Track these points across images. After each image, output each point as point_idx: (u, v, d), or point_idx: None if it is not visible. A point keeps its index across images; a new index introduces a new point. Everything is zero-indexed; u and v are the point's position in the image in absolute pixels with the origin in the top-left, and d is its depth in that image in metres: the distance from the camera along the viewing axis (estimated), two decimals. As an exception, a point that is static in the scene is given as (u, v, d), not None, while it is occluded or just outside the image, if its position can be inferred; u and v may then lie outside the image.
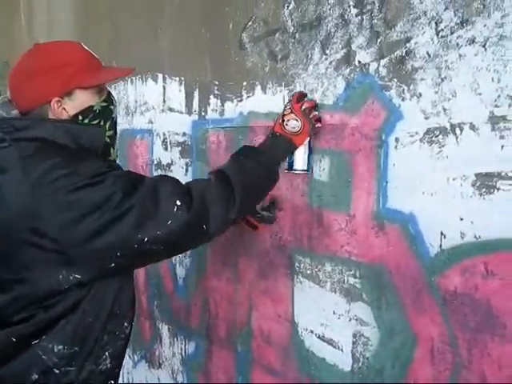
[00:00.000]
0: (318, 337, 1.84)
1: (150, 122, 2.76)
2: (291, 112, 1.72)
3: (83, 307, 1.52)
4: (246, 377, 2.20)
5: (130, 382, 3.26)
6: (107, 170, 1.48)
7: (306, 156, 1.77)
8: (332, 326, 1.79)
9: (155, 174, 2.73)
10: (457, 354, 1.42)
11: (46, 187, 1.41)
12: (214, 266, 2.34)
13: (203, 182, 1.60)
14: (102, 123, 1.61)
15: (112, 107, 1.66)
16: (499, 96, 1.29)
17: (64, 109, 1.54)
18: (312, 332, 1.87)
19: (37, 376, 1.53)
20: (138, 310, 3.00)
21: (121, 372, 3.20)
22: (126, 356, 3.19)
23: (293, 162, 1.77)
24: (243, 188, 1.58)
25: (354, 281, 1.69)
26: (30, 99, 1.55)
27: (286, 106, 1.77)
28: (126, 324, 1.66)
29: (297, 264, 1.90)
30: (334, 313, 1.78)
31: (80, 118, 1.56)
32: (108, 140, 1.64)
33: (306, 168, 1.77)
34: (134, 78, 2.87)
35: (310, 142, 1.76)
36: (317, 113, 1.76)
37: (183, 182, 1.58)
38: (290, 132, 1.71)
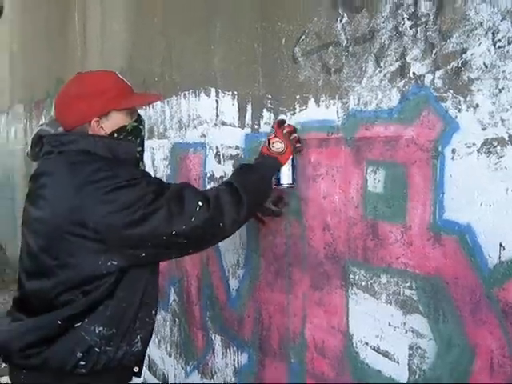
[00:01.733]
0: (374, 349, 1.84)
1: (203, 135, 2.81)
2: (275, 136, 2.05)
3: (118, 294, 1.79)
4: (301, 388, 2.21)
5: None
6: (142, 175, 1.82)
7: (291, 172, 2.07)
8: (387, 338, 1.79)
9: (208, 186, 2.77)
10: (517, 368, 1.41)
11: (90, 186, 1.70)
12: (267, 277, 2.36)
13: (216, 189, 1.92)
14: (133, 139, 1.92)
15: (141, 127, 1.97)
16: (559, 106, 1.28)
17: (102, 127, 1.84)
18: (367, 344, 1.87)
19: (81, 354, 1.77)
20: (190, 320, 3.06)
21: (170, 380, 3.27)
22: (179, 366, 3.26)
23: (280, 178, 2.07)
24: (248, 194, 1.89)
25: (410, 292, 1.68)
26: (73, 119, 1.84)
27: (270, 133, 2.09)
28: (153, 312, 1.94)
29: (351, 275, 1.91)
30: (389, 324, 1.77)
31: (115, 135, 1.86)
32: (137, 155, 1.95)
33: (291, 182, 2.08)
34: (187, 93, 2.93)
35: (293, 159, 2.07)
36: (296, 135, 2.07)
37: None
38: (275, 152, 2.03)
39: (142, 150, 2.00)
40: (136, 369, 1.94)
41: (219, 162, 2.68)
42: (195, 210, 1.77)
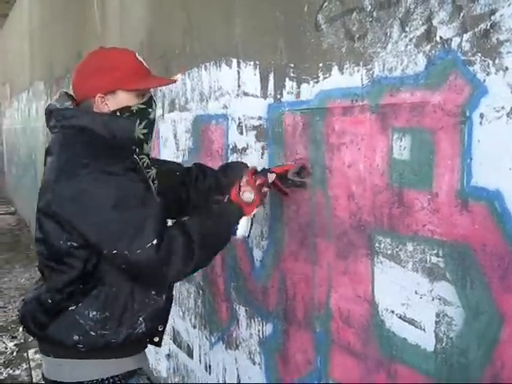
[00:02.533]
0: (400, 317, 1.83)
1: (225, 106, 2.80)
2: (247, 184, 1.98)
3: (109, 280, 1.84)
4: (325, 357, 2.22)
5: (208, 362, 3.33)
6: (119, 173, 1.77)
7: (249, 224, 2.05)
8: (414, 306, 1.78)
9: (231, 158, 2.77)
10: (547, 333, 1.39)
11: (67, 171, 1.77)
12: (291, 247, 2.36)
13: (174, 232, 1.81)
14: (137, 120, 1.90)
15: (150, 110, 1.95)
16: None
17: (106, 104, 1.86)
18: (393, 312, 1.86)
19: (77, 337, 1.84)
20: (215, 292, 3.08)
21: (197, 353, 3.31)
22: (204, 337, 3.29)
23: (237, 228, 2.01)
24: (202, 246, 1.83)
25: (437, 260, 1.67)
26: (82, 93, 1.91)
27: (241, 179, 2.01)
28: (153, 293, 1.93)
29: (377, 244, 1.90)
30: (415, 293, 1.76)
31: (118, 113, 1.87)
32: (142, 136, 1.93)
33: (247, 235, 2.05)
34: (207, 64, 2.92)
35: (254, 214, 2.04)
36: (266, 189, 2.07)
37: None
38: (243, 202, 1.98)
39: (150, 133, 1.98)
40: (156, 338, 2.00)
41: (241, 133, 2.67)
42: (145, 245, 1.71)
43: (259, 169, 2.22)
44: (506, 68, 1.42)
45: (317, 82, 2.10)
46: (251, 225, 2.05)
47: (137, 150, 1.93)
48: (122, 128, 1.86)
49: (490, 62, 1.46)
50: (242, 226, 2.01)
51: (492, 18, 1.45)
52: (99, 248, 1.76)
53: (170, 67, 3.37)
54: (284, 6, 2.25)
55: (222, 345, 3.15)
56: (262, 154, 2.51)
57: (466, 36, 1.52)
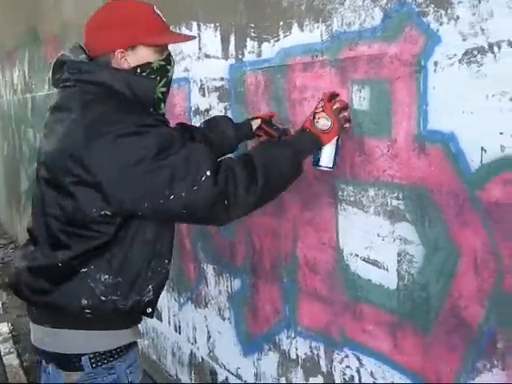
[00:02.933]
0: (364, 260, 1.95)
1: (186, 70, 2.84)
2: (322, 111, 1.82)
3: (127, 244, 1.74)
4: (293, 305, 2.32)
5: (177, 323, 3.42)
6: (153, 124, 1.68)
7: (333, 154, 1.86)
8: (377, 248, 1.89)
9: (194, 120, 2.82)
10: (500, 262, 1.51)
11: (97, 128, 1.61)
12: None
13: (232, 161, 1.73)
14: (157, 79, 1.79)
15: (169, 67, 1.84)
16: (536, 12, 1.35)
17: (126, 59, 1.74)
18: (357, 256, 1.97)
19: (86, 301, 1.73)
20: (182, 253, 3.15)
21: (166, 315, 3.38)
22: (172, 299, 3.37)
23: (319, 158, 1.87)
24: (266, 175, 1.71)
25: (398, 202, 1.78)
26: (99, 47, 1.76)
27: (318, 104, 1.86)
28: (167, 261, 1.87)
29: (340, 192, 2.00)
30: (378, 235, 1.87)
31: (138, 70, 1.75)
32: (160, 95, 1.83)
33: (330, 166, 1.87)
34: (167, 29, 2.94)
35: (338, 140, 1.86)
36: (346, 113, 1.87)
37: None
38: (319, 130, 1.82)
39: (167, 91, 1.88)
40: (149, 309, 1.89)
41: (204, 95, 2.73)
42: (200, 178, 1.61)
43: (256, 123, 2.21)
44: (458, 17, 1.52)
45: (277, 41, 2.17)
46: (336, 153, 1.87)
47: (154, 109, 1.84)
48: (144, 86, 1.76)
49: (443, 13, 1.56)
50: (325, 156, 1.86)
51: (443, -30, 1.54)
52: (151, 204, 1.64)
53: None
54: (243, -34, 2.30)
55: (191, 304, 3.23)
56: (225, 114, 2.57)
57: (419, -12, 1.61)
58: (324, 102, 1.84)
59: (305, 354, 2.30)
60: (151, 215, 1.70)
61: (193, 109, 2.83)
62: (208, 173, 1.63)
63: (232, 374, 2.89)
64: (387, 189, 1.81)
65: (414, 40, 1.64)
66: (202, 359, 3.18)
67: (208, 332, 3.07)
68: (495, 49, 1.44)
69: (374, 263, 1.90)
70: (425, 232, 1.71)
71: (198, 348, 3.22)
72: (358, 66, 1.83)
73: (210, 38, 2.59)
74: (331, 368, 2.18)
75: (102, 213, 1.66)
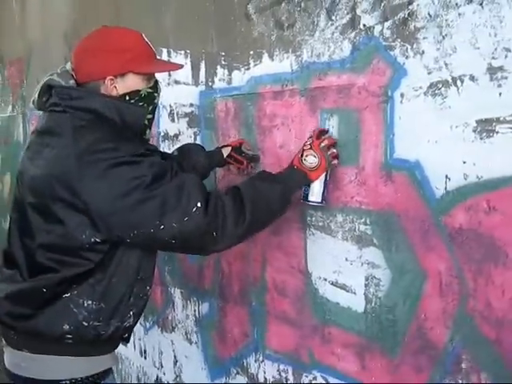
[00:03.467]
0: (332, 283, 2.00)
1: (156, 95, 2.87)
2: (310, 148, 1.86)
3: (111, 270, 1.73)
4: (262, 328, 2.35)
5: (143, 348, 3.40)
6: (145, 154, 1.70)
7: (322, 189, 1.90)
8: (345, 272, 1.94)
9: (162, 145, 2.85)
10: (463, 285, 1.58)
11: (90, 156, 1.61)
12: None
13: (221, 194, 1.76)
14: (144, 106, 1.80)
15: (156, 94, 1.85)
16: (496, 49, 1.43)
17: (115, 87, 1.73)
18: (325, 280, 2.02)
19: (68, 327, 1.72)
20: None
21: (131, 339, 3.36)
22: (138, 323, 3.35)
23: (308, 193, 1.91)
24: (254, 209, 1.74)
25: (365, 228, 1.84)
26: (88, 73, 1.74)
27: (306, 141, 1.90)
28: (148, 287, 1.87)
29: (309, 218, 2.05)
30: (346, 259, 1.93)
31: (127, 97, 1.75)
32: (147, 122, 1.84)
33: (319, 200, 1.91)
34: (137, 55, 2.98)
35: (326, 176, 1.89)
36: (335, 150, 1.89)
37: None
38: (307, 167, 1.86)
39: (153, 118, 1.89)
40: (126, 334, 1.90)
41: (173, 120, 2.76)
42: (191, 210, 1.64)
43: (227, 150, 2.24)
44: (423, 52, 1.60)
45: (248, 69, 2.23)
46: (324, 188, 1.90)
47: (141, 136, 1.85)
48: (134, 114, 1.76)
49: (409, 47, 1.64)
50: (314, 191, 1.90)
51: (409, 7, 1.62)
52: (141, 233, 1.64)
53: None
54: (214, -4, 2.36)
55: (157, 328, 3.23)
56: (195, 139, 2.62)
57: (386, 24, 1.69)
58: (312, 138, 1.88)
59: (273, 377, 2.33)
60: (140, 243, 1.71)
61: (162, 134, 2.86)
62: (199, 204, 1.65)
63: (198, 396, 2.89)
64: (355, 214, 1.87)
65: (382, 72, 1.72)
66: (168, 384, 3.18)
67: (175, 356, 3.07)
68: (458, 82, 1.52)
69: (342, 287, 1.95)
70: (391, 256, 1.77)
71: (164, 373, 3.21)
72: (327, 95, 1.90)
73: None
74: (300, 390, 2.22)
75: (92, 240, 1.65)
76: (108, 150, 1.63)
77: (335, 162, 1.90)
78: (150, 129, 1.90)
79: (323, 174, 1.88)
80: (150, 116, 1.85)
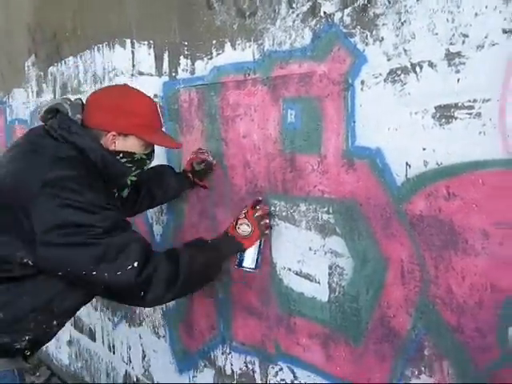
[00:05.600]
0: (296, 273, 1.99)
1: (120, 87, 2.83)
2: (245, 217, 1.99)
3: (26, 287, 1.75)
4: (228, 321, 2.34)
5: (111, 343, 3.37)
6: (105, 207, 1.73)
7: (255, 256, 2.02)
8: (309, 262, 1.93)
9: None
10: (425, 272, 1.58)
11: (52, 189, 1.65)
12: (191, 219, 2.46)
13: (160, 259, 1.81)
14: (133, 168, 1.92)
15: (148, 161, 1.97)
16: (454, 35, 1.43)
17: (114, 143, 1.84)
18: (290, 270, 2.01)
19: None
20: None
21: (100, 335, 3.33)
22: (105, 318, 3.32)
23: (243, 259, 2.02)
24: (187, 278, 1.83)
25: (328, 217, 1.83)
26: (96, 122, 1.84)
27: (242, 210, 2.02)
28: (55, 322, 1.88)
29: (272, 208, 2.04)
30: (310, 249, 1.92)
31: (121, 155, 1.86)
32: (129, 182, 1.99)
33: (253, 267, 2.03)
34: (100, 46, 2.95)
35: (260, 243, 2.02)
36: (267, 221, 2.02)
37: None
38: (240, 235, 1.99)
39: (135, 181, 2.02)
40: (28, 352, 1.89)
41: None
42: (126, 266, 1.70)
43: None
44: (382, 38, 1.59)
45: (210, 59, 2.20)
46: (258, 255, 2.02)
47: (118, 190, 2.01)
48: (118, 171, 1.88)
49: (368, 34, 1.63)
50: (249, 258, 2.01)
51: (368, -7, 1.61)
52: (74, 271, 1.70)
53: (61, 49, 3.36)
54: (176, -14, 2.33)
55: (126, 323, 3.20)
56: (159, 131, 2.58)
57: (346, 11, 1.68)
58: (247, 208, 2.01)
59: (240, 369, 2.32)
60: (71, 278, 1.76)
61: (126, 126, 2.82)
62: (135, 264, 1.71)
63: (168, 391, 2.87)
64: (318, 203, 1.86)
65: (342, 60, 1.71)
66: (137, 379, 3.15)
67: (143, 351, 3.04)
68: (417, 69, 1.51)
69: (306, 276, 1.95)
70: (354, 245, 1.76)
71: (133, 367, 3.19)
72: (289, 84, 1.89)
73: (144, 55, 2.61)
74: (266, 382, 2.21)
75: (25, 260, 1.68)
76: (71, 190, 1.66)
77: (267, 231, 2.04)
78: (129, 188, 2.07)
79: (257, 242, 2.00)
80: (133, 178, 1.97)
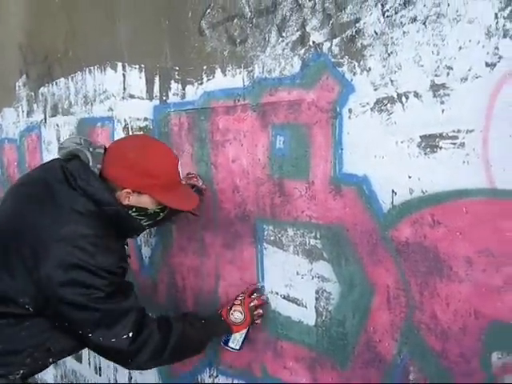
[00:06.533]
0: (284, 297, 2.01)
1: (110, 109, 2.86)
2: (240, 304, 2.07)
3: (26, 324, 1.79)
4: (216, 344, 2.33)
5: (97, 365, 3.35)
6: (113, 272, 1.78)
7: (242, 339, 2.10)
8: (296, 286, 1.96)
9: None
10: (410, 298, 1.61)
11: (66, 246, 1.70)
12: (179, 241, 2.47)
13: (153, 330, 1.88)
14: (144, 221, 1.98)
15: (161, 214, 2.00)
16: (438, 66, 1.47)
17: (128, 198, 1.86)
18: (277, 294, 2.03)
19: None
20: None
21: (86, 356, 3.29)
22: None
23: (229, 340, 2.11)
24: (173, 352, 1.92)
25: (315, 242, 1.86)
26: (113, 176, 1.84)
27: (239, 295, 2.11)
28: (51, 360, 1.94)
29: (260, 232, 2.06)
30: (297, 273, 1.94)
31: (134, 209, 1.90)
32: (141, 228, 2.02)
33: (237, 348, 2.11)
34: (92, 68, 2.97)
35: (248, 329, 2.10)
36: (261, 311, 2.08)
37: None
38: (232, 321, 2.07)
39: (147, 227, 2.10)
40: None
41: (128, 134, 2.75)
42: (121, 336, 1.78)
43: None
44: (369, 68, 1.63)
45: (201, 84, 2.24)
46: (244, 338, 2.10)
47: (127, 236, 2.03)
48: (132, 227, 1.94)
49: (356, 64, 1.67)
50: (235, 340, 2.10)
51: (357, 25, 1.65)
52: (71, 328, 1.78)
53: (53, 70, 3.38)
54: (168, 11, 2.36)
55: (112, 344, 3.18)
56: (149, 153, 2.60)
57: (335, 41, 1.72)
58: (244, 295, 2.08)
59: (227, 392, 2.33)
60: (65, 330, 1.81)
61: (116, 148, 2.83)
62: (130, 334, 1.79)
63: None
64: (305, 228, 1.88)
65: (330, 88, 1.75)
66: (123, 400, 3.13)
67: (129, 373, 3.03)
68: (403, 99, 1.55)
69: (294, 300, 1.97)
70: (341, 270, 1.79)
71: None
72: (278, 110, 1.92)
73: (135, 78, 2.63)
74: (253, 405, 2.21)
75: (26, 306, 1.73)
76: (85, 251, 1.71)
77: (259, 321, 2.10)
78: (138, 235, 2.17)
79: (246, 329, 2.09)
80: (145, 225, 2.02)
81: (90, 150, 1.87)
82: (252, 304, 2.06)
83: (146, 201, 1.89)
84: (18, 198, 1.86)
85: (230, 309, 2.08)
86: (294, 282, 1.96)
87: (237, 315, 2.05)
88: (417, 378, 1.63)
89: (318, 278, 1.87)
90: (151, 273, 2.72)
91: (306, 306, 1.93)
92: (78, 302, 1.71)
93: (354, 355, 1.80)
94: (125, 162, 1.83)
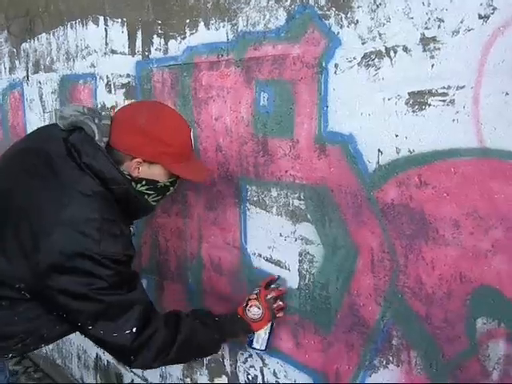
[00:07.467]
0: (266, 259, 1.96)
1: (92, 65, 2.76)
2: (256, 298, 1.89)
3: (20, 308, 1.68)
4: (199, 306, 2.30)
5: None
6: (119, 261, 1.63)
7: (267, 337, 1.92)
8: (279, 248, 1.90)
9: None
10: (395, 261, 1.56)
11: (72, 232, 1.56)
12: (163, 204, 2.41)
13: (159, 327, 1.74)
14: (154, 196, 1.82)
15: (171, 188, 1.85)
16: (429, 19, 1.39)
17: (138, 169, 1.72)
18: (260, 256, 1.98)
19: None
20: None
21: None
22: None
23: (253, 340, 1.93)
24: (180, 351, 1.78)
25: (299, 203, 1.79)
26: (123, 145, 1.70)
27: (254, 290, 1.93)
28: (43, 345, 1.87)
29: (244, 192, 2.00)
30: (280, 235, 1.88)
31: (143, 182, 1.76)
32: (150, 204, 1.86)
33: (263, 348, 1.93)
34: (73, 23, 2.86)
35: (272, 325, 1.92)
36: (281, 303, 1.90)
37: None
38: (249, 318, 1.89)
39: (157, 205, 1.92)
40: None
41: (110, 91, 2.66)
42: (124, 330, 1.65)
43: None
44: (357, 21, 1.55)
45: (184, 38, 2.14)
46: (269, 336, 1.92)
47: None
48: (141, 208, 1.82)
49: (343, 16, 1.58)
50: (259, 339, 1.93)
51: (344, -26, 1.56)
52: (71, 318, 1.66)
53: (34, 25, 3.26)
54: (150, -38, 2.26)
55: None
56: (132, 111, 2.52)
57: (321, -9, 1.63)
58: (261, 288, 1.90)
59: (209, 354, 2.29)
60: (64, 319, 1.69)
61: (99, 106, 2.75)
62: (134, 330, 1.66)
63: (138, 376, 2.84)
64: (289, 189, 1.82)
65: (316, 42, 1.66)
66: (108, 362, 3.11)
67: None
68: (391, 53, 1.47)
69: (277, 263, 1.92)
70: (325, 232, 1.73)
71: (104, 352, 3.14)
72: (263, 66, 1.84)
73: (117, 33, 2.53)
74: (236, 368, 2.19)
75: (22, 292, 1.63)
76: (89, 237, 1.56)
77: (280, 314, 1.91)
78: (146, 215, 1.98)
79: (269, 324, 1.90)
80: (154, 204, 1.87)
81: (96, 121, 1.70)
82: (269, 296, 1.88)
83: (157, 172, 1.75)
84: (18, 169, 1.71)
85: (246, 305, 1.91)
86: (277, 243, 1.91)
87: (254, 311, 1.88)
88: (400, 343, 1.59)
89: (302, 239, 1.81)
90: (134, 235, 2.66)
91: (288, 269, 1.88)
92: (78, 291, 1.58)
93: (337, 319, 1.76)
94: (135, 128, 1.68)
